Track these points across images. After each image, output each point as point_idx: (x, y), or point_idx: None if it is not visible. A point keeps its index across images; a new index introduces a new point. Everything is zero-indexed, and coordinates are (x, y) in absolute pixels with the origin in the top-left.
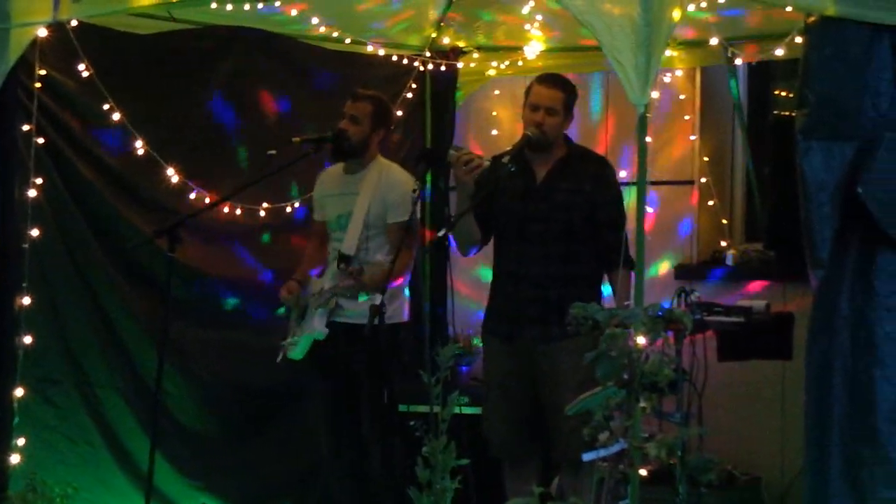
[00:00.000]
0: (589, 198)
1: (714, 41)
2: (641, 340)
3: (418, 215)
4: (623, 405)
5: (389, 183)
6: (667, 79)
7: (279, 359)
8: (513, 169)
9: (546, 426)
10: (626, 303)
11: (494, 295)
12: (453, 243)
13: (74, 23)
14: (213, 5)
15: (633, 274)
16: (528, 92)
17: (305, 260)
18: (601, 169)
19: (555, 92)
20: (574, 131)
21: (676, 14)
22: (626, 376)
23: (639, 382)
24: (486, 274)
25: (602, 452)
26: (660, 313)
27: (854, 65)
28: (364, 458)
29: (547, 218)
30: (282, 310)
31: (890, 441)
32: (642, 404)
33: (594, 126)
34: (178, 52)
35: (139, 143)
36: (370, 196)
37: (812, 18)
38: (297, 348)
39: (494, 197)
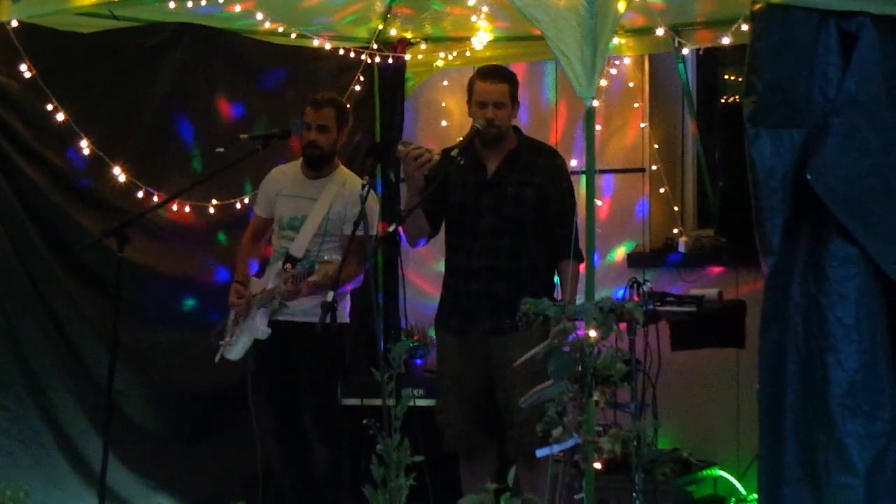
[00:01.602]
0: (539, 190)
1: (660, 31)
2: (593, 334)
3: (375, 216)
4: (576, 400)
5: (352, 196)
6: (614, 69)
7: (217, 358)
8: (462, 162)
9: (500, 419)
10: (574, 297)
11: (446, 288)
12: (403, 236)
13: (15, 23)
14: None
15: (582, 266)
16: (471, 88)
17: (241, 257)
18: (551, 160)
19: (500, 85)
20: (526, 120)
21: (622, 5)
22: (578, 370)
23: (591, 377)
24: (442, 266)
25: (556, 448)
26: (611, 307)
27: (802, 51)
28: (310, 459)
29: (498, 211)
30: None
31: (843, 427)
32: (595, 398)
33: (546, 114)
34: (122, 51)
35: (84, 143)
36: (329, 204)
37: (758, 5)
38: (235, 349)
39: (444, 190)
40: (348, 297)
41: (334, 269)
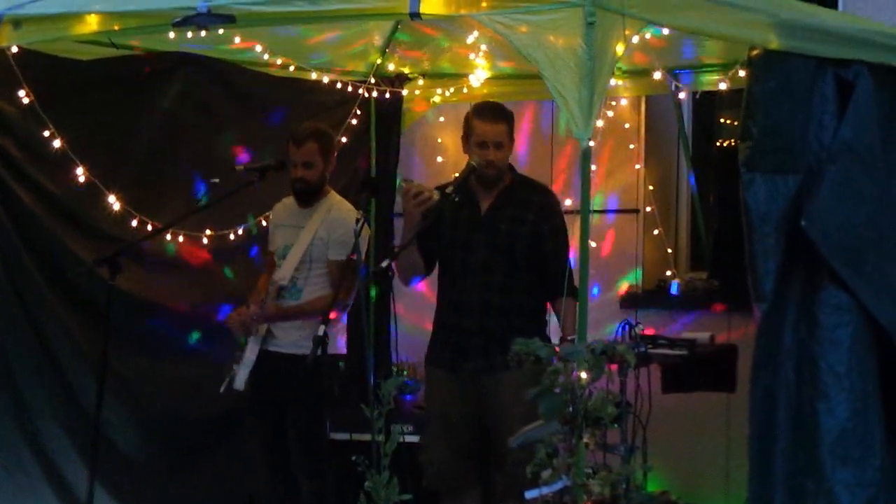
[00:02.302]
0: (533, 228)
1: (658, 74)
2: (584, 376)
3: (364, 245)
4: (566, 441)
5: (335, 220)
6: (611, 110)
7: (222, 389)
8: (457, 199)
9: (489, 456)
10: (570, 336)
11: (437, 324)
12: (396, 272)
13: (15, 49)
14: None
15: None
16: (468, 127)
17: (256, 291)
18: (545, 198)
19: (499, 125)
20: (524, 156)
21: (620, 47)
22: (569, 411)
23: (582, 419)
24: (434, 301)
25: (545, 490)
26: (603, 349)
27: (798, 98)
28: (296, 492)
29: (491, 248)
30: (243, 340)
31: (833, 475)
32: (585, 440)
33: (540, 154)
34: (120, 79)
35: (80, 170)
36: (315, 231)
37: (756, 51)
38: (237, 379)
39: (438, 227)
40: (343, 328)
41: (322, 303)
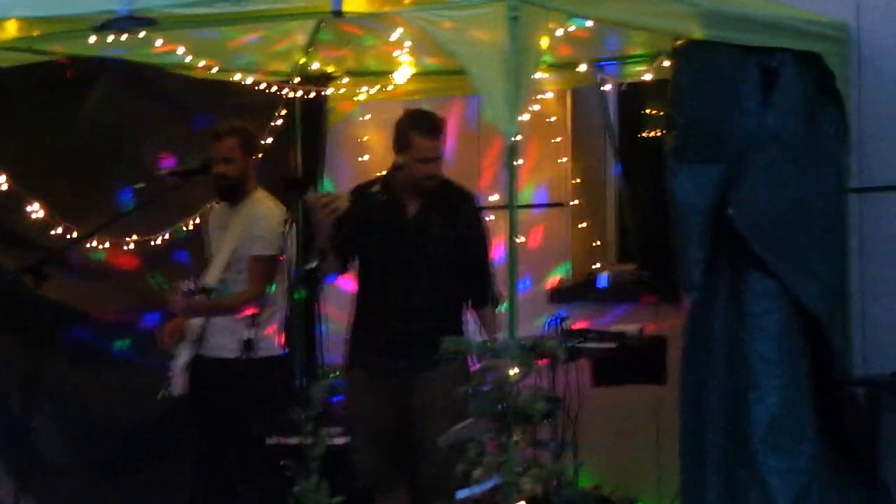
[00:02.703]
0: (458, 232)
1: (583, 67)
2: (514, 372)
3: (291, 245)
4: (497, 439)
5: (254, 217)
6: (537, 104)
7: (159, 396)
8: (384, 199)
9: (416, 456)
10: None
11: (358, 326)
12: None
13: None
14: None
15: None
16: (405, 139)
17: None
18: (469, 203)
19: (438, 141)
20: (451, 153)
21: (545, 41)
22: (499, 408)
23: (512, 416)
24: None
25: (476, 489)
26: (532, 344)
27: (723, 87)
28: (234, 499)
29: (418, 252)
30: (174, 351)
31: (765, 463)
32: (516, 437)
33: (466, 149)
34: (41, 85)
35: (2, 178)
36: (239, 230)
37: (680, 41)
38: (174, 384)
39: (358, 229)
40: (279, 326)
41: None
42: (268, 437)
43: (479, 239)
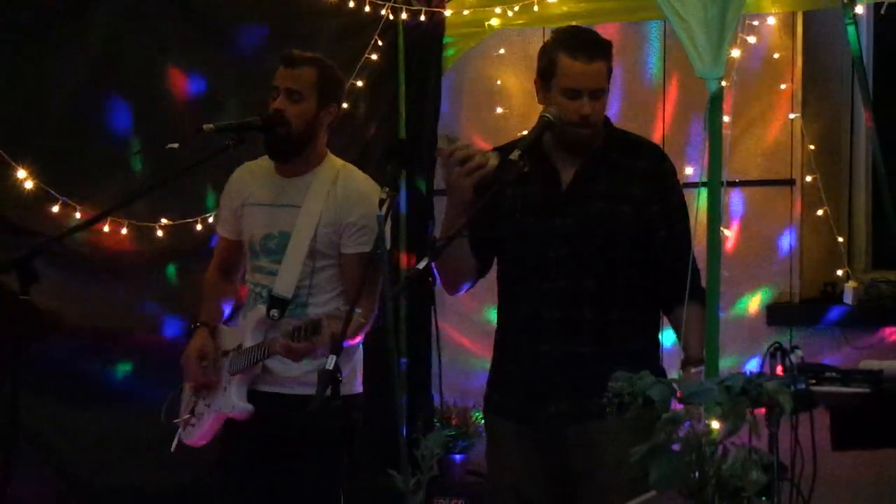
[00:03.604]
0: (639, 207)
1: None
2: (716, 427)
3: (388, 237)
4: None
5: (349, 196)
6: (753, 35)
7: (173, 446)
8: (526, 169)
9: None
10: (697, 362)
11: (501, 354)
12: (437, 276)
13: None
14: None
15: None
16: (549, 65)
17: (208, 298)
18: (656, 164)
19: (597, 65)
20: (617, 108)
21: None
22: (694, 478)
23: (714, 489)
24: (494, 317)
25: None
26: (743, 386)
27: None
28: None
29: (578, 239)
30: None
31: None
32: None
33: (648, 99)
34: (27, 6)
35: None
36: (319, 213)
37: None
38: (199, 430)
39: (500, 209)
40: (360, 357)
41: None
42: None
43: (671, 215)
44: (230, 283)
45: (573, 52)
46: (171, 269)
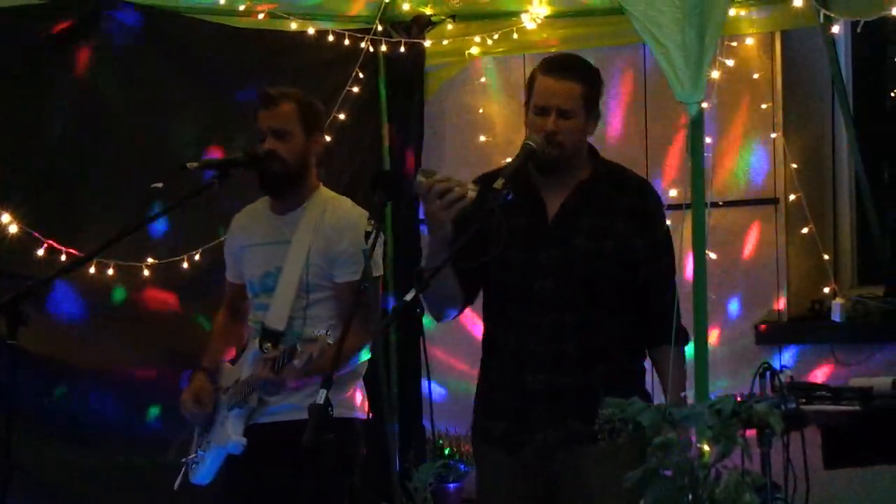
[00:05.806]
0: (624, 241)
1: (798, 1)
2: (708, 450)
3: (381, 263)
4: None
5: (338, 225)
6: (731, 58)
7: (177, 484)
8: (510, 198)
9: None
10: (681, 394)
11: (487, 383)
12: (425, 305)
13: None
14: None
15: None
16: (530, 85)
17: (214, 340)
18: (642, 198)
19: (570, 84)
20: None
21: None
22: (688, 499)
23: None
24: None
25: None
26: (734, 408)
27: None
28: None
29: (563, 271)
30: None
31: None
32: None
33: (627, 125)
34: (14, 41)
35: None
36: (309, 244)
37: None
38: (202, 467)
39: (486, 238)
40: (360, 383)
41: (327, 358)
42: None
43: (655, 251)
44: (239, 324)
45: (547, 69)
46: (160, 307)
